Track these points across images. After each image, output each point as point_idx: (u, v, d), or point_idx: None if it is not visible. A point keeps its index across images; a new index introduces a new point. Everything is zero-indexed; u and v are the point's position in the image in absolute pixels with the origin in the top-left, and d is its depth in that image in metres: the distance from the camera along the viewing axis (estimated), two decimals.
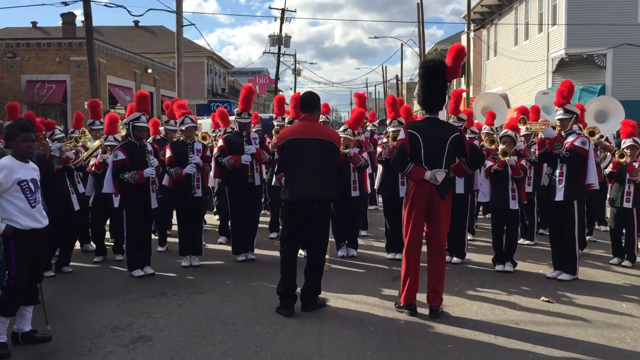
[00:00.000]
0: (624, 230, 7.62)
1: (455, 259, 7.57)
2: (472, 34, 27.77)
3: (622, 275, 7.07)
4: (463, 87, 27.51)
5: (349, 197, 7.83)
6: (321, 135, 5.49)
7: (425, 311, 5.43)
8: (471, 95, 25.82)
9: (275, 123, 9.18)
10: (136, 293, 6.25)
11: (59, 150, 7.09)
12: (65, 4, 18.67)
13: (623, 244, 7.62)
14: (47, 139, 7.36)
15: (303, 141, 5.43)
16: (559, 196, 6.62)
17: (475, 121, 9.37)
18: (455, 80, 35.82)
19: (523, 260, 7.53)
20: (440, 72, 5.50)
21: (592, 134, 7.76)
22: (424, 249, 5.51)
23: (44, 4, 48.70)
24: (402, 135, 5.52)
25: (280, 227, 6.74)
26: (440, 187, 5.33)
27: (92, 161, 7.63)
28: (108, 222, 8.09)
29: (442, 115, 8.25)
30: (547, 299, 5.93)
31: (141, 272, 6.93)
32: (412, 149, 5.39)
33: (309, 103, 5.67)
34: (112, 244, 8.03)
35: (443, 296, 5.57)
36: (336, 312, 5.58)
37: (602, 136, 8.85)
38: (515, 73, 25.61)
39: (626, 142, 7.63)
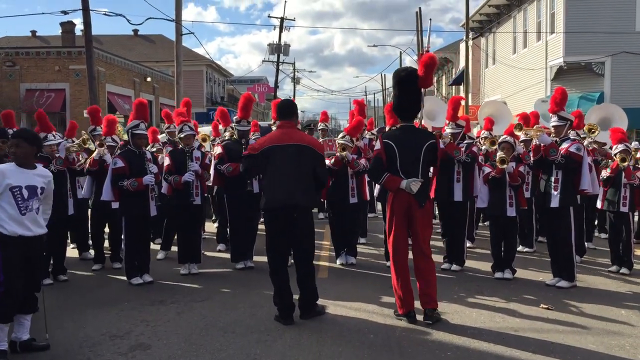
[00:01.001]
0: (624, 235, 7.58)
1: (454, 267, 7.56)
2: (470, 43, 27.87)
3: (622, 283, 7.07)
4: (462, 94, 27.57)
5: (347, 204, 7.83)
6: (299, 142, 5.50)
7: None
8: (470, 104, 25.86)
9: (273, 128, 9.17)
10: (135, 301, 6.23)
11: (67, 151, 7.13)
12: (65, 12, 18.79)
13: (620, 252, 7.60)
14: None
15: (281, 148, 5.44)
16: (554, 203, 6.63)
17: (477, 129, 9.38)
18: (454, 87, 36.09)
19: (522, 268, 7.52)
20: (412, 81, 5.57)
21: (591, 131, 7.88)
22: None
23: (43, 13, 48.93)
24: (377, 145, 5.61)
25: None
26: (417, 196, 5.37)
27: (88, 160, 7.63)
28: (107, 229, 8.08)
29: (441, 122, 8.27)
30: (547, 306, 5.92)
31: (140, 280, 6.91)
32: (388, 159, 5.45)
33: (286, 110, 5.76)
34: (110, 252, 8.01)
35: (442, 304, 5.56)
36: (335, 319, 5.56)
37: (604, 144, 8.86)
38: (514, 81, 25.66)
39: (618, 147, 7.64)
